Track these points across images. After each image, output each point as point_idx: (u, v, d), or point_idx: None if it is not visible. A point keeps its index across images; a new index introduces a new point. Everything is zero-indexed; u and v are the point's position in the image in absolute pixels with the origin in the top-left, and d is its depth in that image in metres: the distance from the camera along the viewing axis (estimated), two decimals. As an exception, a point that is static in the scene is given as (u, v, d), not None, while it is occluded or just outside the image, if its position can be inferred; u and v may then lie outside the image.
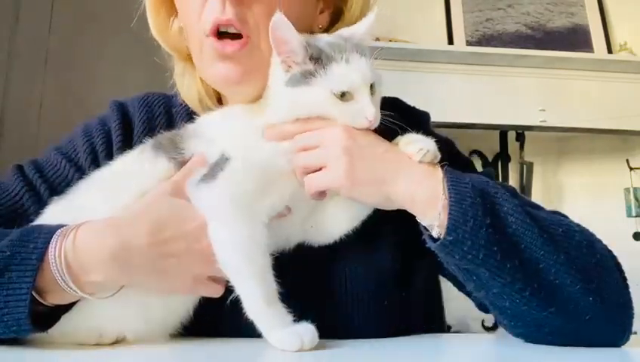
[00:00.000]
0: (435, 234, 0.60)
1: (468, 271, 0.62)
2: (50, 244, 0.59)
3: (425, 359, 0.64)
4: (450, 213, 0.59)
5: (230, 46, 0.68)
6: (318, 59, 0.62)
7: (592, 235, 0.65)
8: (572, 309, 0.60)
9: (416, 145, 0.63)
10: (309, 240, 0.71)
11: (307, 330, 0.59)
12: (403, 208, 0.63)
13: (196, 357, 0.63)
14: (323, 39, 0.66)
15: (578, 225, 0.66)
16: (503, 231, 0.59)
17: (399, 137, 0.67)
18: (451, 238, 0.58)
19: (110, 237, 0.60)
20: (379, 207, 0.66)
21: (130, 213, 0.63)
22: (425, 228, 0.62)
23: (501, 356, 0.66)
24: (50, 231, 0.60)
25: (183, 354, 0.64)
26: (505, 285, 0.60)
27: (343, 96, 0.62)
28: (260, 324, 0.60)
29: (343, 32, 0.69)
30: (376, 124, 0.64)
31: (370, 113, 0.62)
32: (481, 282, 0.62)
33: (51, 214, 0.68)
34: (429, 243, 0.61)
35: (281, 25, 0.61)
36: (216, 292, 0.64)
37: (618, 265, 0.65)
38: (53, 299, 0.60)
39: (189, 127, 0.73)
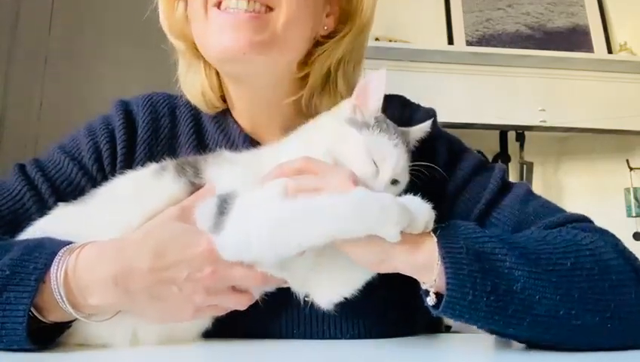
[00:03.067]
0: (430, 302, 0.59)
1: None
2: (53, 265, 0.58)
3: (425, 359, 0.64)
4: (447, 288, 0.56)
5: (241, 15, 0.69)
6: (378, 122, 0.67)
7: (604, 252, 0.62)
8: (591, 341, 0.59)
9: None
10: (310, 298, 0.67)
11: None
12: (399, 271, 0.60)
13: (197, 358, 0.63)
14: (390, 121, 0.69)
15: (592, 241, 0.63)
16: (510, 290, 0.56)
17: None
18: (448, 314, 0.57)
19: (113, 260, 0.59)
20: (370, 268, 0.62)
21: (135, 236, 0.62)
22: (425, 291, 0.60)
23: (501, 356, 0.66)
24: (52, 252, 0.59)
25: (184, 355, 0.64)
26: (510, 337, 0.61)
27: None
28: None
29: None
30: None
31: (378, 186, 0.64)
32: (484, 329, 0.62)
33: (58, 221, 0.67)
34: (429, 308, 0.60)
35: (380, 81, 0.66)
36: (218, 313, 0.64)
37: (637, 271, 0.62)
38: (53, 318, 0.59)
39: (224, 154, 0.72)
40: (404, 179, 0.68)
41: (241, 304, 0.63)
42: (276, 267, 0.60)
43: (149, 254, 0.59)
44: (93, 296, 0.58)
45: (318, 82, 0.79)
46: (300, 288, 0.65)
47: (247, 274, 0.61)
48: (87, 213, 0.68)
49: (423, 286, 0.60)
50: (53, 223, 0.67)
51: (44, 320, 0.59)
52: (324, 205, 0.57)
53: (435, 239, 0.59)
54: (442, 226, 0.61)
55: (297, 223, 0.57)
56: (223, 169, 0.68)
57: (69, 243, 0.61)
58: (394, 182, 0.66)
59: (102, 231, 0.63)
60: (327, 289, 0.65)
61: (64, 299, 0.57)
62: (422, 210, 0.60)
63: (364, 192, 0.58)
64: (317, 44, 0.79)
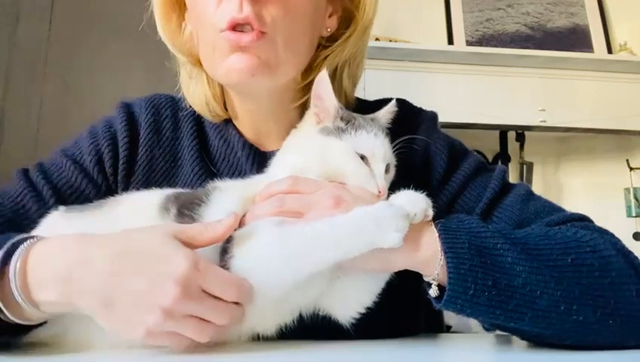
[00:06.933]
0: (432, 293, 0.60)
1: None
2: (14, 256, 0.54)
3: (425, 359, 0.64)
4: (449, 282, 0.57)
5: (246, 36, 0.68)
6: (349, 121, 0.68)
7: (604, 249, 0.62)
8: (593, 338, 0.59)
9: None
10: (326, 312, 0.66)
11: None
12: (403, 268, 0.61)
13: (197, 357, 0.62)
14: (355, 113, 0.70)
15: (591, 239, 0.63)
16: (512, 285, 0.57)
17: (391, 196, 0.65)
18: (450, 308, 0.58)
19: (75, 249, 0.54)
20: (375, 272, 0.63)
21: (110, 234, 0.56)
22: (428, 283, 0.61)
23: (501, 356, 0.66)
24: (14, 242, 0.56)
25: (183, 354, 0.64)
26: (513, 331, 0.61)
27: (362, 158, 0.66)
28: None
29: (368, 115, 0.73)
30: (382, 198, 0.64)
31: (381, 183, 0.65)
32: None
33: (57, 227, 0.66)
34: (432, 301, 0.61)
35: (322, 83, 0.68)
36: (178, 346, 0.56)
37: (637, 268, 0.62)
38: (15, 315, 0.55)
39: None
40: (393, 161, 0.69)
41: (201, 336, 0.55)
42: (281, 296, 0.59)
43: (112, 255, 0.54)
44: (44, 289, 0.54)
45: None
46: (313, 309, 0.65)
47: (222, 310, 0.55)
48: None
49: (426, 279, 0.61)
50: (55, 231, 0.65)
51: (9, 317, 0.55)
52: (323, 231, 0.57)
53: (437, 234, 0.59)
54: (445, 220, 0.61)
55: (300, 253, 0.57)
56: (220, 199, 0.66)
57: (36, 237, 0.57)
58: (386, 169, 0.67)
59: None
60: (344, 304, 0.65)
61: (19, 292, 0.53)
62: (417, 201, 0.61)
63: (358, 211, 0.58)
64: (320, 46, 0.78)
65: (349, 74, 0.82)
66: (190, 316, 0.54)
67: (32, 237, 0.57)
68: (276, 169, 0.70)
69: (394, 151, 0.70)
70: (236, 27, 0.68)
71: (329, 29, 0.79)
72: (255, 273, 0.58)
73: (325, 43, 0.79)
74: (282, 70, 0.72)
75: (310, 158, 0.68)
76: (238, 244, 0.59)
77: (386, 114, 0.73)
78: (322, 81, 0.68)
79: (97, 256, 0.54)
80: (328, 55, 0.78)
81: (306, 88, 0.79)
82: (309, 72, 0.78)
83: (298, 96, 0.79)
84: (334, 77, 0.80)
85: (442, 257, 0.58)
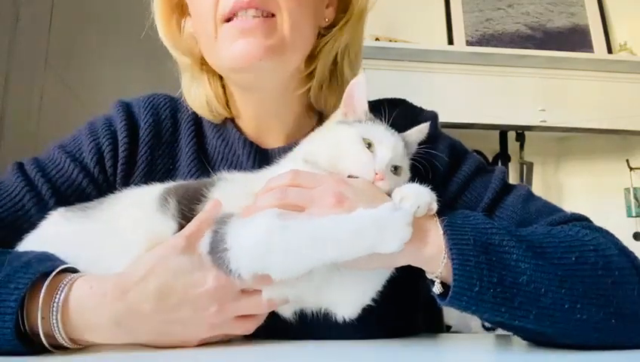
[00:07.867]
0: (436, 290, 0.60)
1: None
2: (57, 292, 0.56)
3: (425, 359, 0.64)
4: (454, 279, 0.56)
5: (248, 22, 0.69)
6: (371, 118, 0.69)
7: (606, 248, 0.63)
8: (596, 337, 0.59)
9: (407, 203, 0.59)
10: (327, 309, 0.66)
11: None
12: (408, 264, 0.61)
13: (198, 357, 0.63)
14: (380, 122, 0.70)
15: (594, 238, 0.63)
16: (517, 282, 0.57)
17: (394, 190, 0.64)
18: (455, 305, 0.58)
19: (116, 301, 0.57)
20: (379, 268, 0.63)
21: (137, 272, 0.59)
22: (431, 280, 0.61)
23: (501, 356, 0.66)
24: (42, 270, 0.57)
25: (184, 354, 0.64)
26: (517, 330, 0.62)
27: (369, 147, 0.65)
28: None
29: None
30: (383, 186, 0.64)
31: (379, 167, 0.63)
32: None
33: (59, 239, 0.65)
34: (436, 297, 0.60)
35: (359, 85, 0.69)
36: (225, 337, 0.63)
37: (638, 269, 0.62)
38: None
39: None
40: (406, 167, 0.68)
41: (247, 330, 0.63)
42: (286, 286, 0.60)
43: (153, 296, 0.57)
44: (93, 334, 0.58)
45: (325, 74, 0.81)
46: (313, 304, 0.64)
47: (254, 303, 0.61)
48: (88, 237, 0.66)
49: (429, 276, 0.61)
50: (52, 241, 0.65)
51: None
52: (324, 230, 0.56)
53: (442, 231, 0.59)
54: (449, 216, 0.61)
55: (297, 249, 0.56)
56: (224, 191, 0.66)
57: (53, 263, 0.59)
58: (396, 169, 0.66)
59: (104, 259, 0.62)
60: (346, 302, 0.64)
61: (60, 330, 0.56)
62: (421, 194, 0.61)
63: (361, 213, 0.57)
64: (320, 35, 0.80)
65: (349, 63, 0.83)
66: (234, 317, 0.61)
67: (63, 270, 0.59)
68: (287, 161, 0.70)
69: (411, 159, 0.69)
70: (239, 12, 0.69)
71: (327, 20, 0.81)
72: (250, 262, 0.57)
73: (324, 32, 0.81)
74: (289, 54, 0.73)
75: (319, 145, 0.69)
76: (235, 233, 0.58)
77: (416, 133, 0.73)
78: (359, 83, 0.69)
79: (138, 300, 0.57)
80: (328, 41, 0.79)
81: (308, 78, 0.81)
82: (311, 59, 0.79)
83: (300, 87, 0.81)
84: (335, 67, 0.82)
85: (447, 254, 0.58)
